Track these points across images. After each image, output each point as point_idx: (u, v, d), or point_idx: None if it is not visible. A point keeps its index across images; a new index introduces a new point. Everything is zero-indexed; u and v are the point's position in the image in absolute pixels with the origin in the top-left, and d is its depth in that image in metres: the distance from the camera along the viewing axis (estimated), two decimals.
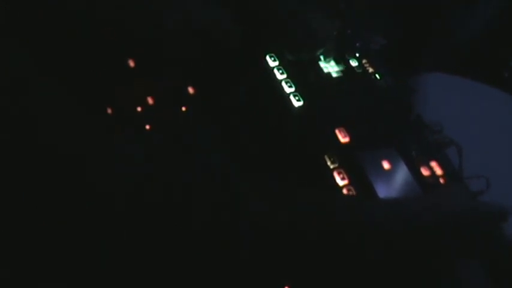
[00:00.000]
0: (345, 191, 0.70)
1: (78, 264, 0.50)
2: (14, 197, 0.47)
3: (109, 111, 0.72)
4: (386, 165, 0.74)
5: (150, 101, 0.75)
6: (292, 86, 0.79)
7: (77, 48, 0.70)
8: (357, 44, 0.88)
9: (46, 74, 0.52)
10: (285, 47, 0.82)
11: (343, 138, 0.75)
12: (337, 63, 0.85)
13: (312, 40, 0.82)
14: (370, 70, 0.86)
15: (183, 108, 0.76)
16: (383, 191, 0.71)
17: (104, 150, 0.51)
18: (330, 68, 0.84)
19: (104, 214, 0.48)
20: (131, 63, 0.76)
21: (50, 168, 0.47)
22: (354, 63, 0.86)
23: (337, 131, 0.76)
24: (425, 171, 0.75)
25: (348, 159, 0.73)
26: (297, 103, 0.77)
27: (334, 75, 0.83)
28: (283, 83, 0.79)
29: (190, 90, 0.78)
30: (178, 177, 0.52)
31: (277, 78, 0.80)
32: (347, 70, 0.85)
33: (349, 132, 0.76)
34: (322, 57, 0.84)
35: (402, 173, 0.74)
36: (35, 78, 0.51)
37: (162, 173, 0.52)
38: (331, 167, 0.72)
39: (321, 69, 0.83)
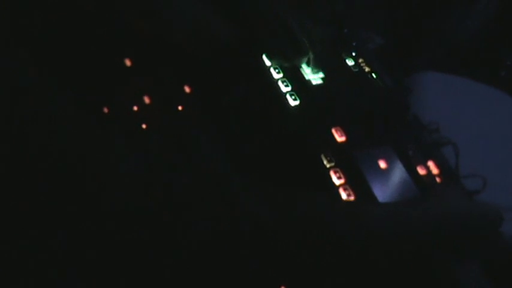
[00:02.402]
0: (341, 191, 0.70)
1: (78, 265, 0.50)
2: (14, 198, 0.47)
3: (105, 110, 0.72)
4: (382, 164, 0.74)
5: (146, 100, 0.75)
6: (289, 85, 0.79)
7: (74, 48, 0.70)
8: (354, 43, 0.88)
9: (44, 74, 0.51)
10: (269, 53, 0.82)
11: (340, 138, 0.75)
12: (316, 71, 0.84)
13: (293, 49, 0.82)
14: (367, 69, 0.86)
15: (180, 108, 0.76)
16: (380, 190, 0.71)
17: (105, 150, 0.51)
18: (311, 75, 0.83)
19: (104, 215, 0.48)
20: (127, 62, 0.76)
21: (50, 169, 0.47)
22: (350, 62, 0.86)
23: (333, 130, 0.75)
24: (421, 171, 0.75)
25: (344, 159, 0.73)
26: (293, 102, 0.77)
27: (314, 82, 0.83)
28: (280, 82, 0.79)
29: (187, 89, 0.78)
30: (177, 179, 0.52)
31: (273, 78, 0.80)
32: (327, 78, 0.84)
33: (345, 131, 0.75)
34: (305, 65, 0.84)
35: (399, 172, 0.74)
36: (34, 78, 0.51)
37: (161, 174, 0.52)
38: (328, 166, 0.72)
39: (302, 76, 0.82)
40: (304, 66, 0.83)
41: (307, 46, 0.82)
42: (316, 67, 0.82)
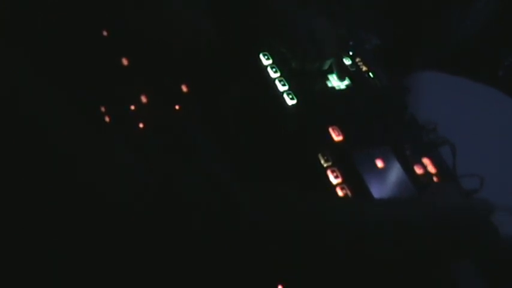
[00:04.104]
0: (338, 190, 0.70)
1: (78, 264, 0.50)
2: (14, 199, 0.47)
3: (103, 109, 0.72)
4: (380, 163, 0.74)
5: (143, 99, 0.75)
6: (286, 84, 0.79)
7: (72, 47, 0.70)
8: (351, 43, 0.88)
9: (42, 73, 0.52)
10: (289, 55, 0.81)
11: (337, 137, 0.75)
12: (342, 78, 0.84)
13: (316, 51, 0.82)
14: (364, 69, 0.86)
15: (177, 107, 0.76)
16: (377, 189, 0.71)
17: (102, 150, 0.51)
18: (335, 82, 0.83)
19: (104, 214, 0.49)
20: (124, 62, 0.76)
21: (50, 168, 0.47)
22: (347, 62, 0.86)
23: (330, 130, 0.76)
24: (418, 170, 0.75)
25: (341, 158, 0.73)
26: (290, 101, 0.77)
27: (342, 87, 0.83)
28: (277, 82, 0.79)
29: (184, 88, 0.78)
30: (175, 178, 0.52)
31: (270, 77, 0.80)
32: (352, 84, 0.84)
33: (342, 130, 0.76)
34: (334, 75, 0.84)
35: (396, 172, 0.74)
36: (32, 78, 0.51)
37: (158, 173, 0.52)
38: (325, 165, 0.72)
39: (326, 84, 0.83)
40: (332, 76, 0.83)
41: (333, 49, 0.82)
42: (341, 71, 0.82)
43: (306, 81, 0.81)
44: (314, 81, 0.82)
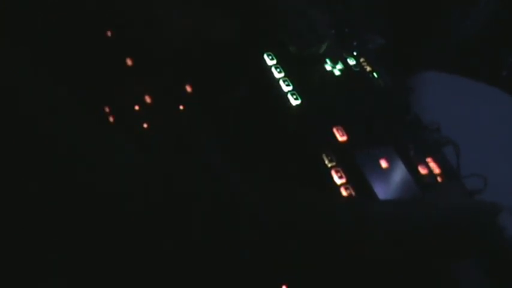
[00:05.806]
0: (342, 190, 0.70)
1: (78, 264, 0.50)
2: (14, 197, 0.47)
3: (107, 110, 0.72)
4: (384, 164, 0.74)
5: (147, 99, 0.75)
6: (290, 84, 0.79)
7: (75, 47, 0.70)
8: (354, 43, 0.88)
9: (45, 73, 0.51)
10: (288, 40, 0.82)
11: (341, 137, 0.75)
12: (337, 62, 0.85)
13: (314, 34, 0.82)
14: (368, 69, 0.86)
15: (181, 107, 0.76)
16: (381, 189, 0.71)
17: (105, 150, 0.51)
18: (329, 67, 0.84)
19: (104, 214, 0.49)
20: (129, 62, 0.76)
21: (50, 168, 0.47)
22: (351, 62, 0.86)
23: (335, 130, 0.76)
24: (422, 170, 0.75)
25: (345, 158, 0.73)
26: (294, 102, 0.77)
27: (337, 73, 0.83)
28: (281, 82, 0.79)
29: (188, 88, 0.78)
30: (178, 177, 0.52)
31: (274, 77, 0.80)
32: (347, 69, 0.85)
33: (347, 131, 0.76)
34: (328, 60, 0.84)
35: (400, 172, 0.74)
36: (32, 78, 0.51)
37: (161, 173, 0.52)
38: (329, 165, 0.72)
39: (323, 68, 0.83)
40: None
41: (327, 33, 0.82)
42: (335, 55, 0.83)
43: (304, 67, 0.82)
44: (312, 67, 0.83)
